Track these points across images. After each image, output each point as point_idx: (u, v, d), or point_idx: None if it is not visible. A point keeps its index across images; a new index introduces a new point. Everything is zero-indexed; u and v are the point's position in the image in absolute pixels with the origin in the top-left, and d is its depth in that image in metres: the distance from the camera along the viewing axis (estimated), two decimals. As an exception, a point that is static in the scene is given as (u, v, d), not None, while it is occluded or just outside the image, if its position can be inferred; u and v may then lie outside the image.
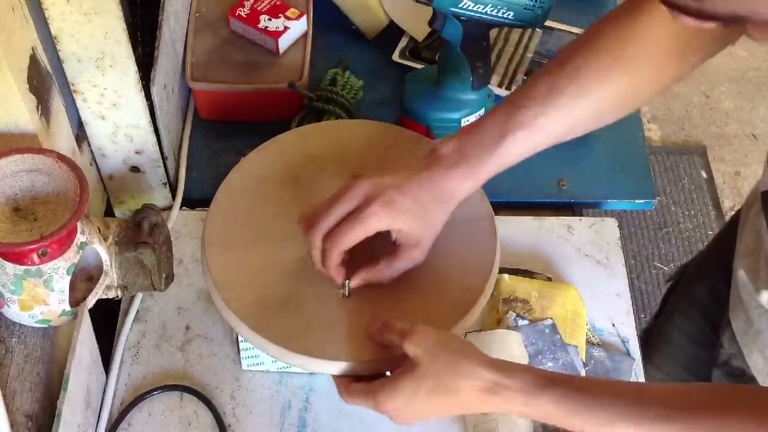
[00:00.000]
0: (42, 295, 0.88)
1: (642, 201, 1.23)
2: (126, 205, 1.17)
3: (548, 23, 1.23)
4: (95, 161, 1.11)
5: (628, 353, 1.07)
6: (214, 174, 1.18)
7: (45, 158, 0.86)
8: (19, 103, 0.83)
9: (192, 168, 1.22)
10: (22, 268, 0.86)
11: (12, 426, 0.84)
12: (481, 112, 1.18)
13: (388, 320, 0.85)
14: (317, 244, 0.86)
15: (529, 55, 1.30)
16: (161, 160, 1.13)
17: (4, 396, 0.84)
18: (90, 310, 0.93)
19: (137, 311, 1.09)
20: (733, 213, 2.34)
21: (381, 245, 0.87)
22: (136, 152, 1.10)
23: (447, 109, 1.16)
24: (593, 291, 1.12)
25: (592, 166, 1.24)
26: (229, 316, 0.90)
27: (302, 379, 1.05)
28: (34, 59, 0.86)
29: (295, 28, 1.25)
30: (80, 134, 1.07)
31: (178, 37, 1.20)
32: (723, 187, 2.43)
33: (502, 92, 1.26)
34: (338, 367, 0.86)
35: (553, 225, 1.17)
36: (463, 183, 0.87)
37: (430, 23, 1.12)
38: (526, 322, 1.07)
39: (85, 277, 0.94)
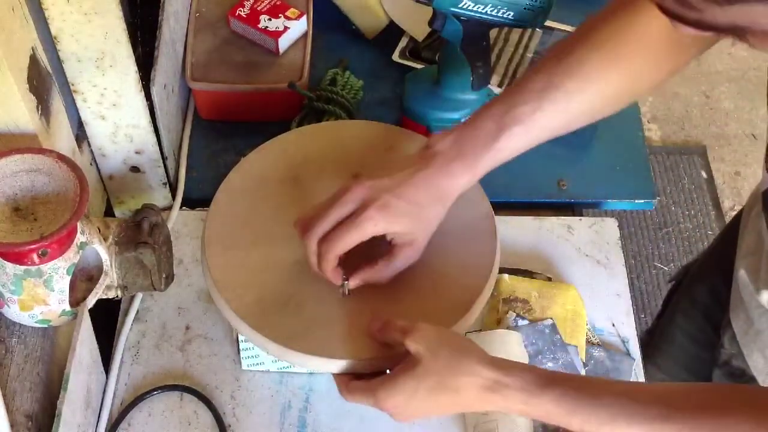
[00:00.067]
0: (42, 295, 0.88)
1: (642, 201, 1.23)
2: (126, 205, 1.17)
3: (548, 23, 1.23)
4: (95, 161, 1.11)
5: (628, 353, 1.07)
6: (214, 174, 1.18)
7: (45, 158, 0.86)
8: (19, 103, 0.83)
9: (192, 168, 1.22)
10: (22, 268, 0.86)
11: (12, 426, 0.84)
12: (481, 112, 1.18)
13: (390, 318, 0.85)
14: (313, 248, 0.86)
15: (529, 55, 1.30)
16: (161, 160, 1.13)
17: (4, 396, 0.84)
18: (90, 310, 0.93)
19: (137, 311, 1.09)
20: (733, 213, 2.34)
21: (377, 244, 0.87)
22: (136, 152, 1.10)
23: (447, 109, 1.16)
24: (593, 291, 1.12)
25: (592, 166, 1.24)
26: (229, 315, 0.90)
27: (302, 379, 1.05)
28: (34, 59, 0.86)
29: (295, 28, 1.25)
30: (80, 134, 1.07)
31: (178, 37, 1.20)
32: (723, 187, 2.43)
33: (502, 92, 1.26)
34: (338, 365, 0.86)
35: (553, 225, 1.17)
36: (460, 179, 0.87)
37: (430, 23, 1.12)
38: (526, 322, 1.07)
39: (85, 277, 0.94)
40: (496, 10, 1.07)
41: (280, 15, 1.25)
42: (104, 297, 0.94)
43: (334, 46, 1.33)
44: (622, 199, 1.23)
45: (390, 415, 0.83)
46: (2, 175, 0.85)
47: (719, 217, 2.36)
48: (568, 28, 1.33)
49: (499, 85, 1.27)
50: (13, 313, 0.89)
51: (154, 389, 1.03)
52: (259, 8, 1.26)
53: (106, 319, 1.08)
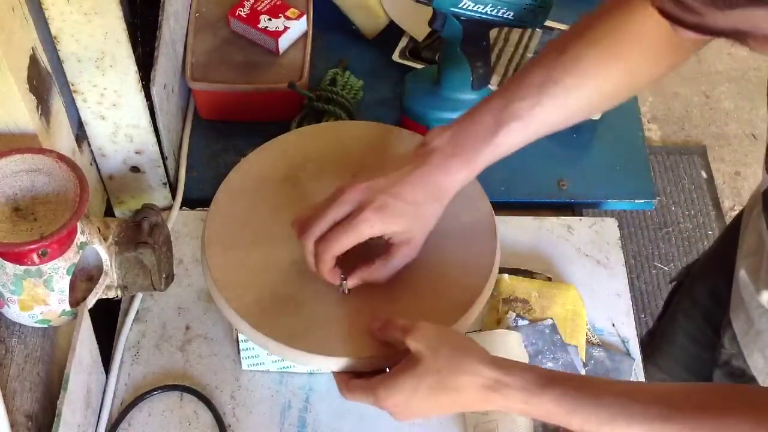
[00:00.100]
0: (42, 295, 0.88)
1: (642, 201, 1.23)
2: (126, 205, 1.17)
3: (548, 23, 1.23)
4: (95, 161, 1.11)
5: (628, 353, 1.07)
6: (214, 174, 1.18)
7: (45, 158, 0.86)
8: (19, 103, 0.83)
9: (192, 168, 1.22)
10: (22, 268, 0.86)
11: (12, 426, 0.84)
12: (481, 112, 1.18)
13: (390, 317, 0.85)
14: (310, 248, 0.86)
15: (529, 55, 1.30)
16: (161, 160, 1.13)
17: (4, 396, 0.84)
18: (90, 310, 0.93)
19: (137, 311, 1.09)
20: (734, 213, 2.34)
21: (374, 243, 0.87)
22: (136, 152, 1.10)
23: (447, 109, 1.16)
24: (593, 291, 1.12)
25: (592, 166, 1.24)
26: (229, 314, 0.90)
27: (302, 379, 1.05)
28: (34, 59, 0.86)
29: (295, 28, 1.25)
30: (80, 134, 1.07)
31: (178, 37, 1.20)
32: (723, 187, 2.43)
33: (502, 92, 1.26)
34: (339, 363, 0.86)
35: (553, 225, 1.17)
36: (458, 175, 0.87)
37: (430, 23, 1.12)
38: (526, 322, 1.07)
39: (85, 277, 0.94)
40: (496, 10, 1.07)
41: (280, 15, 1.25)
42: (104, 297, 0.94)
43: (334, 46, 1.33)
44: (622, 199, 1.23)
45: (390, 413, 0.83)
46: (2, 175, 0.85)
47: (719, 217, 2.36)
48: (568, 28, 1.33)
49: (499, 85, 1.27)
50: (13, 313, 0.89)
51: (154, 389, 1.03)
52: (259, 8, 1.26)
53: (106, 319, 1.08)
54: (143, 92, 1.03)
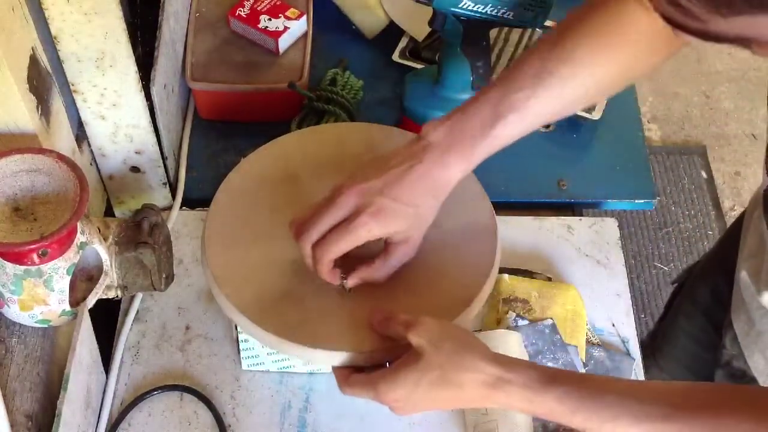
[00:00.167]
0: (42, 295, 0.88)
1: (642, 201, 1.23)
2: (126, 205, 1.17)
3: (548, 23, 1.23)
4: (95, 161, 1.11)
5: (628, 353, 1.07)
6: (214, 174, 1.18)
7: (45, 158, 0.86)
8: (19, 103, 0.83)
9: (192, 168, 1.22)
10: (22, 268, 0.86)
11: (12, 426, 0.84)
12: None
13: (392, 311, 0.85)
14: (307, 251, 0.86)
15: (529, 55, 1.30)
16: (161, 160, 1.13)
17: (4, 396, 0.84)
18: (90, 310, 0.93)
19: (137, 311, 1.09)
20: (734, 213, 2.35)
21: (373, 241, 0.87)
22: (136, 152, 1.10)
23: (447, 109, 1.15)
24: (593, 291, 1.12)
25: (592, 166, 1.24)
26: (229, 310, 0.90)
27: (302, 379, 1.05)
28: (34, 59, 0.86)
29: (295, 28, 1.25)
30: (80, 134, 1.07)
31: (178, 37, 1.20)
32: (723, 187, 2.43)
33: (502, 92, 1.26)
34: (339, 357, 0.86)
35: (553, 225, 1.17)
36: (456, 170, 0.86)
37: (430, 23, 1.12)
38: (526, 322, 1.07)
39: (85, 277, 0.94)
40: (496, 10, 1.07)
41: (280, 15, 1.25)
42: (104, 297, 0.94)
43: (334, 46, 1.33)
44: (622, 199, 1.23)
45: (390, 408, 0.83)
46: (2, 175, 0.85)
47: (719, 217, 2.36)
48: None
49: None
50: (13, 313, 0.89)
51: (154, 389, 1.03)
52: (259, 8, 1.26)
53: (106, 319, 1.08)
54: (143, 92, 1.03)
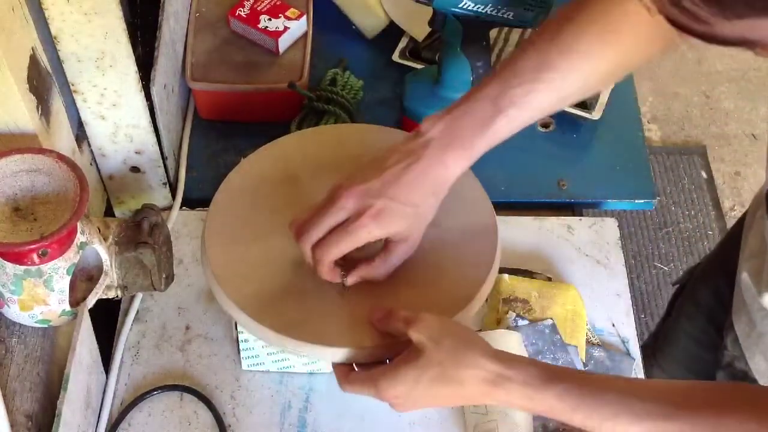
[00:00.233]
0: (42, 295, 0.88)
1: (642, 201, 1.23)
2: (126, 205, 1.17)
3: (548, 23, 1.23)
4: (95, 161, 1.11)
5: (628, 353, 1.07)
6: (214, 174, 1.18)
7: (45, 158, 0.86)
8: (19, 103, 0.83)
9: (192, 168, 1.22)
10: (22, 268, 0.86)
11: (12, 426, 0.84)
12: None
13: (392, 308, 0.85)
14: (308, 252, 0.86)
15: (529, 55, 1.30)
16: (161, 160, 1.13)
17: (4, 396, 0.84)
18: (90, 310, 0.93)
19: (137, 311, 1.09)
20: (734, 213, 2.35)
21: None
22: (136, 152, 1.10)
23: (447, 109, 1.16)
24: (593, 291, 1.12)
25: (592, 166, 1.24)
26: (229, 306, 0.90)
27: (302, 379, 1.05)
28: (34, 59, 0.86)
29: (295, 28, 1.25)
30: (80, 134, 1.07)
31: (178, 37, 1.20)
32: (723, 187, 2.43)
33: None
34: (339, 353, 0.86)
35: (553, 225, 1.17)
36: (455, 167, 0.85)
37: (430, 23, 1.12)
38: (526, 322, 1.07)
39: (85, 277, 0.94)
40: (496, 10, 1.07)
41: (280, 15, 1.25)
42: (104, 297, 0.94)
43: (334, 46, 1.33)
44: (622, 199, 1.23)
45: (391, 405, 0.83)
46: (2, 175, 0.85)
47: (719, 217, 2.36)
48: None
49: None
50: (13, 313, 0.89)
51: (154, 389, 1.03)
52: (259, 8, 1.26)
53: (106, 319, 1.08)
54: (143, 92, 1.03)
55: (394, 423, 1.01)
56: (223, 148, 1.24)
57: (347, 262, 0.89)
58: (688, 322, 1.32)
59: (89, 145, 1.08)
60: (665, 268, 2.28)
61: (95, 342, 0.99)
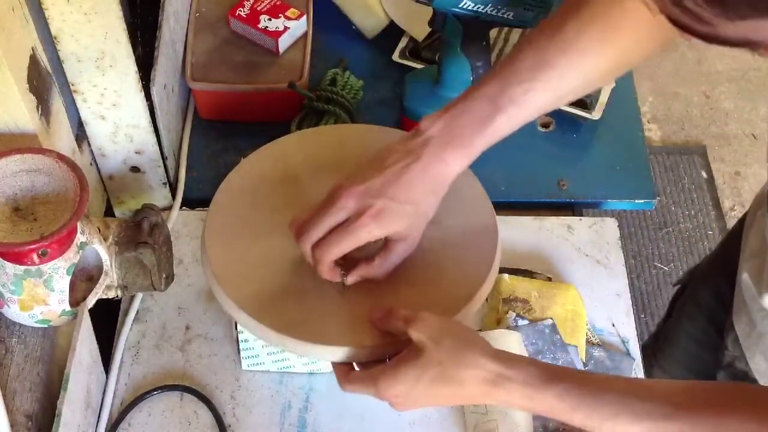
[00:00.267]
0: (42, 295, 0.88)
1: (642, 201, 1.23)
2: (126, 205, 1.17)
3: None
4: (95, 161, 1.11)
5: (628, 353, 1.07)
6: (214, 174, 1.18)
7: (45, 158, 0.86)
8: (19, 103, 0.83)
9: (192, 168, 1.22)
10: (22, 268, 0.86)
11: (12, 426, 0.84)
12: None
13: (392, 307, 0.85)
14: (308, 252, 0.86)
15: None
16: (161, 160, 1.13)
17: (4, 396, 0.84)
18: (90, 310, 0.93)
19: (137, 311, 1.09)
20: (734, 213, 2.35)
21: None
22: (136, 152, 1.10)
23: (447, 109, 1.16)
24: (593, 291, 1.12)
25: (592, 166, 1.24)
26: (229, 306, 0.90)
27: (302, 379, 1.05)
28: (34, 59, 0.86)
29: (295, 28, 1.25)
30: (80, 134, 1.07)
31: (178, 37, 1.20)
32: (723, 187, 2.43)
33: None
34: (339, 352, 0.86)
35: (553, 225, 1.17)
36: (455, 165, 0.85)
37: (430, 23, 1.12)
38: (526, 322, 1.07)
39: (85, 277, 0.94)
40: (496, 10, 1.07)
41: (280, 15, 1.25)
42: (104, 297, 0.94)
43: (334, 46, 1.33)
44: (622, 199, 1.23)
45: (390, 404, 0.83)
46: (2, 175, 0.85)
47: (719, 217, 2.36)
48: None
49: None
50: (13, 313, 0.89)
51: (154, 389, 1.03)
52: (259, 8, 1.26)
53: (106, 319, 1.08)
54: (143, 92, 1.03)
55: (394, 423, 1.01)
56: (223, 148, 1.24)
57: (347, 262, 0.89)
58: (689, 323, 1.32)
59: (89, 145, 1.08)
60: (665, 268, 2.28)
61: (95, 342, 0.99)
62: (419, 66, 1.29)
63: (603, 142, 1.26)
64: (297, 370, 1.05)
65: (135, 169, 1.12)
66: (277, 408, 1.03)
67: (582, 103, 1.25)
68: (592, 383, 0.78)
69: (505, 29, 1.33)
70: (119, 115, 1.04)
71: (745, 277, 1.06)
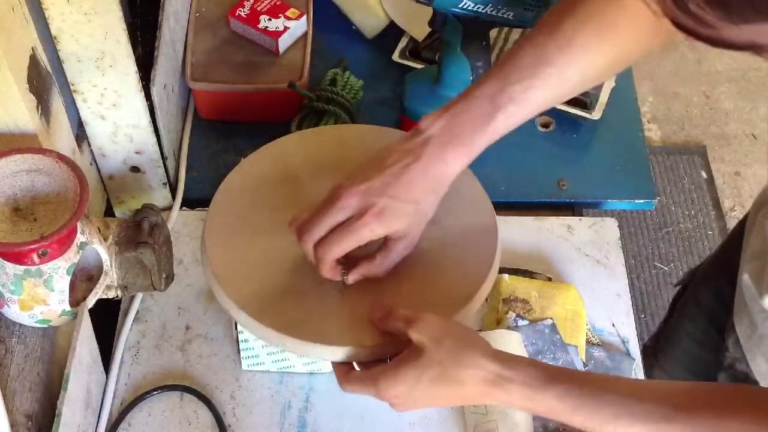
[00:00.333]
0: (42, 295, 0.88)
1: (642, 201, 1.23)
2: (126, 205, 1.17)
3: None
4: (95, 161, 1.11)
5: (628, 353, 1.07)
6: (214, 174, 1.18)
7: (45, 158, 0.86)
8: (19, 103, 0.83)
9: (192, 168, 1.22)
10: (22, 268, 0.86)
11: (12, 426, 0.84)
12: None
13: (392, 307, 0.85)
14: (310, 252, 0.86)
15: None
16: (161, 160, 1.13)
17: (4, 396, 0.84)
18: (90, 310, 0.93)
19: (137, 311, 1.09)
20: (734, 213, 2.35)
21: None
22: (136, 152, 1.10)
23: (447, 109, 1.16)
24: (593, 291, 1.12)
25: (592, 166, 1.24)
26: (229, 306, 0.90)
27: (302, 379, 1.05)
28: (34, 59, 0.86)
29: (295, 28, 1.25)
30: (80, 134, 1.07)
31: (178, 37, 1.20)
32: (723, 187, 2.43)
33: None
34: (340, 352, 0.86)
35: (553, 225, 1.17)
36: (455, 163, 0.85)
37: (430, 23, 1.12)
38: (526, 322, 1.07)
39: (85, 277, 0.94)
40: (496, 10, 1.07)
41: (280, 15, 1.25)
42: (104, 297, 0.94)
43: (334, 46, 1.33)
44: (622, 199, 1.23)
45: (390, 405, 0.83)
46: (2, 175, 0.85)
47: (719, 217, 2.36)
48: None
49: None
50: (13, 313, 0.89)
51: (154, 389, 1.03)
52: (259, 8, 1.26)
53: (106, 319, 1.08)
54: (143, 92, 1.03)
55: (394, 423, 1.01)
56: (223, 148, 1.24)
57: (348, 261, 0.89)
58: (690, 324, 1.31)
59: (89, 145, 1.08)
60: (665, 268, 2.28)
61: (95, 342, 0.99)
62: (419, 66, 1.29)
63: (603, 142, 1.26)
64: (297, 370, 1.05)
65: (135, 169, 1.12)
66: (277, 408, 1.03)
67: (582, 103, 1.25)
68: (593, 384, 0.78)
69: (505, 29, 1.33)
70: (119, 115, 1.04)
71: (745, 278, 1.05)
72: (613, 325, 1.10)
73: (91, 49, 0.96)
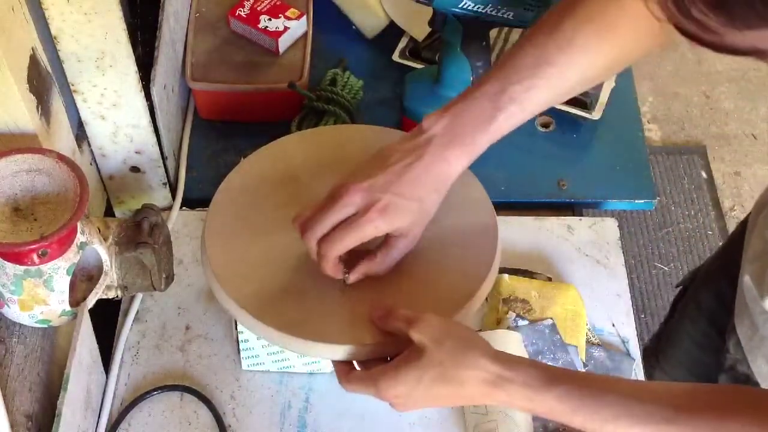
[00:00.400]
0: (42, 295, 0.88)
1: (642, 201, 1.23)
2: (126, 205, 1.17)
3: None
4: (95, 161, 1.11)
5: (628, 353, 1.07)
6: (214, 174, 1.18)
7: (45, 158, 0.86)
8: (19, 103, 0.83)
9: (192, 168, 1.22)
10: (22, 268, 0.86)
11: (12, 426, 0.84)
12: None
13: (393, 307, 0.85)
14: (313, 248, 0.86)
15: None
16: (161, 160, 1.13)
17: (4, 396, 0.84)
18: (90, 310, 0.93)
19: (137, 311, 1.09)
20: (734, 213, 2.35)
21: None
22: (136, 152, 1.10)
23: (447, 109, 1.16)
24: (593, 291, 1.12)
25: (592, 166, 1.24)
26: (230, 305, 0.90)
27: (302, 379, 1.05)
28: (34, 59, 0.86)
29: (295, 28, 1.25)
30: (80, 134, 1.07)
31: (178, 37, 1.20)
32: (723, 187, 2.43)
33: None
34: (340, 350, 0.86)
35: (553, 225, 1.17)
36: (457, 164, 0.86)
37: (430, 23, 1.12)
38: (526, 322, 1.07)
39: (85, 277, 0.94)
40: (496, 10, 1.07)
41: (280, 15, 1.25)
42: (104, 297, 0.94)
43: (334, 46, 1.33)
44: (622, 199, 1.23)
45: (391, 405, 0.83)
46: (2, 175, 0.85)
47: (719, 217, 2.36)
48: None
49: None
50: (13, 313, 0.89)
51: (154, 389, 1.03)
52: (259, 8, 1.26)
53: (106, 319, 1.08)
54: (143, 92, 1.03)
55: (394, 423, 1.01)
56: (223, 148, 1.24)
57: (349, 259, 0.89)
58: (691, 325, 1.31)
59: (89, 145, 1.08)
60: (665, 268, 2.28)
61: (95, 342, 0.99)
62: (419, 66, 1.29)
63: (603, 142, 1.26)
64: (297, 370, 1.05)
65: (135, 169, 1.12)
66: (277, 408, 1.03)
67: (582, 103, 1.25)
68: (593, 385, 0.78)
69: (505, 29, 1.33)
70: (119, 115, 1.04)
71: (746, 280, 1.05)
72: (613, 325, 1.10)
73: (91, 49, 0.96)
